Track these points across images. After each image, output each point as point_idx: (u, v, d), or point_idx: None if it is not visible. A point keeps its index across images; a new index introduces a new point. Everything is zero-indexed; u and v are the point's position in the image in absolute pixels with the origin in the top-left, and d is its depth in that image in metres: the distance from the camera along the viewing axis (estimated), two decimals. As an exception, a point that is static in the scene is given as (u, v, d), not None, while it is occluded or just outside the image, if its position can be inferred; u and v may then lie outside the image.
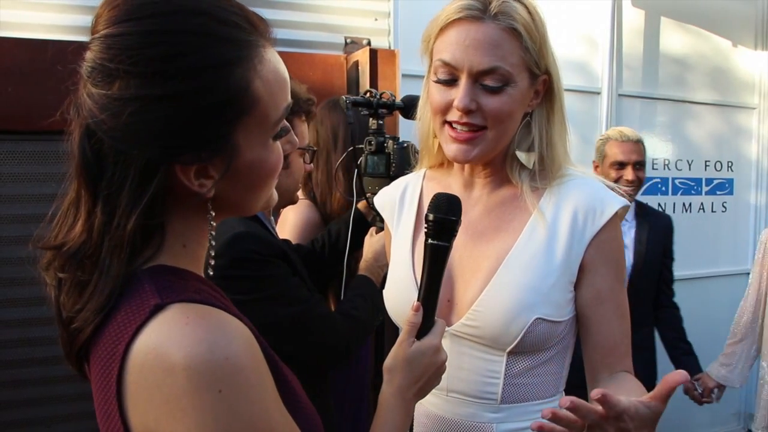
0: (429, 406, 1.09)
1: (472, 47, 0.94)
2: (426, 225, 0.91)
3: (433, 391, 1.08)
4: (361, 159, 1.67)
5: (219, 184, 0.68)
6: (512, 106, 0.98)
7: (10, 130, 1.92)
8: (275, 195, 0.78)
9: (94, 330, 0.66)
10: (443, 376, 1.05)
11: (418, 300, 0.91)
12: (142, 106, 0.62)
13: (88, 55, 0.64)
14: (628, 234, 2.50)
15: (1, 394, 1.97)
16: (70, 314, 0.67)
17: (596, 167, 2.53)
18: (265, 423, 0.63)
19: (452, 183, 1.13)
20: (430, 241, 0.91)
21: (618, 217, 1.02)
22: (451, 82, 0.98)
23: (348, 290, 1.63)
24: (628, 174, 2.41)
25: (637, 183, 2.44)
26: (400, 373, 0.88)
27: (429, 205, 0.92)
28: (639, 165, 2.43)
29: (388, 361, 0.90)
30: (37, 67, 1.89)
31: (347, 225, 1.69)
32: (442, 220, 0.90)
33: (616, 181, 2.41)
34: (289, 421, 0.67)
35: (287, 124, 0.74)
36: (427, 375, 0.89)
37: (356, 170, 1.68)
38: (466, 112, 0.97)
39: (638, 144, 2.44)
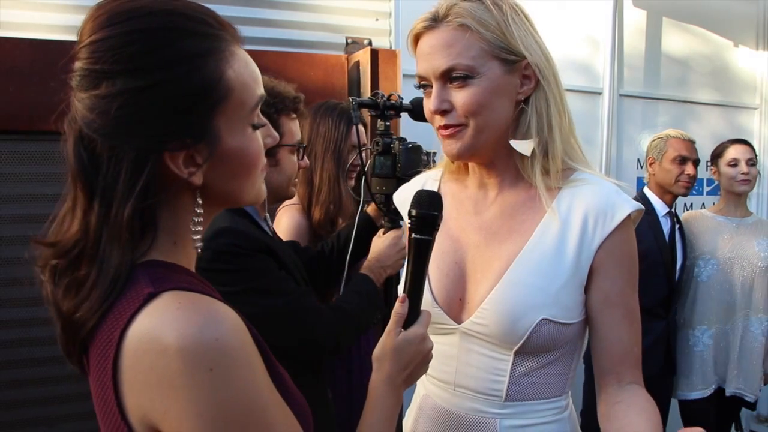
0: (436, 399, 1.11)
1: (431, 54, 1.01)
2: (409, 221, 0.95)
3: (442, 384, 1.10)
4: (369, 160, 1.67)
5: (206, 173, 0.72)
6: (482, 96, 1.00)
7: (11, 129, 1.92)
8: (263, 189, 0.82)
9: (95, 322, 0.69)
10: (452, 372, 1.08)
11: (403, 291, 0.95)
12: (127, 100, 0.67)
13: (77, 64, 0.70)
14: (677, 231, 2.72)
15: (2, 394, 1.98)
16: (71, 306, 0.70)
17: (651, 163, 2.71)
18: (256, 400, 0.66)
19: (469, 183, 1.15)
20: (413, 235, 0.94)
21: (631, 220, 1.03)
22: (428, 89, 1.05)
23: (346, 287, 1.63)
24: (690, 169, 2.62)
25: (694, 179, 2.66)
26: (388, 362, 0.91)
27: (411, 202, 0.95)
28: (697, 162, 2.67)
29: (377, 350, 0.93)
30: (38, 67, 1.89)
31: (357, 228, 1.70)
32: (425, 215, 0.93)
33: (678, 176, 2.61)
34: (280, 401, 0.71)
35: (263, 118, 0.79)
36: (415, 363, 0.93)
37: (363, 172, 1.68)
38: (441, 113, 1.02)
39: (695, 144, 2.70)
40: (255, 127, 0.77)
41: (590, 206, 1.02)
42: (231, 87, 0.72)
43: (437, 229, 0.95)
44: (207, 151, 0.71)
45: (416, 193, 0.96)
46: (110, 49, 0.67)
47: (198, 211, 0.75)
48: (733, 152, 2.74)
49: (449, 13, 1.00)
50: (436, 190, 1.19)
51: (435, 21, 1.01)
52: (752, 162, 2.73)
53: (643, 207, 1.04)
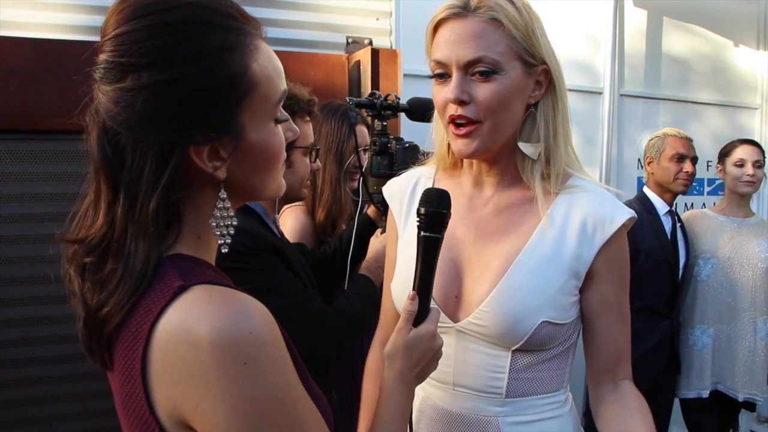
0: (436, 399, 1.11)
1: (457, 42, 0.99)
2: (418, 218, 0.95)
3: (440, 385, 1.10)
4: (367, 161, 1.67)
5: (229, 167, 0.72)
6: (504, 94, 0.99)
7: (11, 129, 1.92)
8: (284, 183, 0.82)
9: (122, 316, 0.68)
10: (450, 371, 1.08)
11: (413, 289, 0.95)
12: (153, 93, 0.67)
13: (101, 57, 0.69)
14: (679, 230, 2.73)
15: (1, 394, 1.98)
16: (99, 301, 0.69)
17: (650, 162, 2.74)
18: (289, 394, 0.67)
19: (463, 181, 1.15)
20: (423, 233, 0.94)
21: (625, 227, 1.05)
22: (444, 77, 1.02)
23: (346, 289, 1.63)
24: (688, 167, 2.64)
25: (693, 176, 2.68)
26: (400, 359, 0.92)
27: (420, 200, 0.95)
28: (695, 160, 2.69)
29: (388, 347, 0.93)
30: (38, 66, 1.89)
31: (357, 230, 1.70)
32: (434, 213, 0.93)
33: (677, 173, 2.63)
34: (306, 395, 0.71)
35: (285, 113, 0.79)
36: (426, 359, 0.93)
37: (361, 172, 1.67)
38: (459, 103, 1.00)
39: (692, 142, 2.73)
40: (278, 122, 0.77)
41: (588, 213, 1.04)
42: (256, 81, 0.72)
43: (446, 227, 0.95)
44: (231, 146, 0.71)
45: (425, 191, 0.96)
46: (136, 42, 0.67)
47: (224, 205, 0.74)
48: (741, 152, 2.74)
49: (481, 5, 0.98)
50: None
51: (465, 9, 0.99)
52: (759, 164, 2.73)
53: (635, 215, 1.07)
